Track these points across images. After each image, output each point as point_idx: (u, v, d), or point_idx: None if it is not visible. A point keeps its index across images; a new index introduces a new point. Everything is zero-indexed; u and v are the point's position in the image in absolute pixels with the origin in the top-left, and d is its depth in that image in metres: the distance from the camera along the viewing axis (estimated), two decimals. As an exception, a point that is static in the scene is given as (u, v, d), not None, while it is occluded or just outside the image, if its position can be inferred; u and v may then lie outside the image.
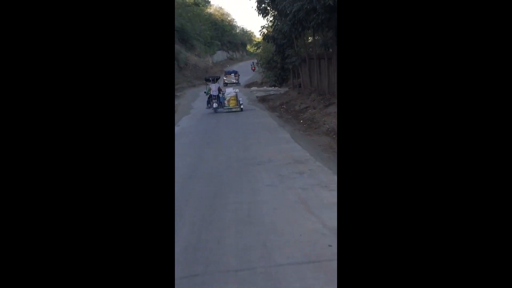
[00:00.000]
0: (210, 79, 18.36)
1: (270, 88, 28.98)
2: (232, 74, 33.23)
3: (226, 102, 16.87)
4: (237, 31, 68.56)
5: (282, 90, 26.20)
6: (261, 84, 32.36)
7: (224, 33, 59.84)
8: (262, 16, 22.25)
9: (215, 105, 16.67)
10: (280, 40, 21.45)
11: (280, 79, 31.35)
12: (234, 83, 30.71)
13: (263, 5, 21.73)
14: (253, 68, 42.76)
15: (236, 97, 17.06)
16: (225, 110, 16.69)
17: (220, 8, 65.22)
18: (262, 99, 22.71)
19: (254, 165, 7.79)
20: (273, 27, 22.20)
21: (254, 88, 29.81)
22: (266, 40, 22.23)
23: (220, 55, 56.93)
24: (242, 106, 16.89)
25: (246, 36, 72.09)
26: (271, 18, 22.94)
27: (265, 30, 22.78)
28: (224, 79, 31.30)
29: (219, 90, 17.12)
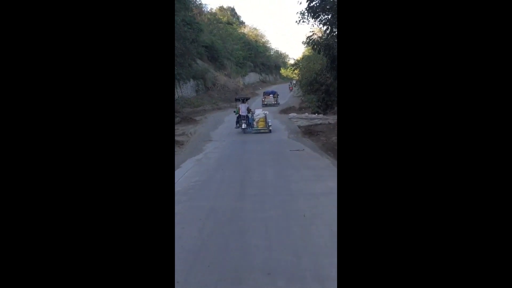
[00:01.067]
0: (240, 99, 17.61)
1: (314, 116, 21.55)
2: (271, 95, 29.27)
3: (255, 123, 15.81)
4: (271, 53, 61.71)
5: (331, 118, 18.70)
6: (299, 110, 24.93)
7: (257, 54, 53.20)
8: (313, 17, 15.07)
9: (244, 125, 15.61)
10: (336, 50, 13.99)
11: (324, 105, 23.97)
12: (273, 104, 27.93)
13: (314, 3, 14.57)
14: (290, 88, 36.93)
15: (265, 118, 15.89)
16: (254, 131, 15.59)
17: (255, 29, 58.70)
18: (308, 131, 15.28)
19: None
20: (327, 33, 14.82)
21: (292, 114, 22.40)
22: (317, 50, 14.73)
23: (252, 77, 50.16)
24: (270, 128, 15.76)
25: (280, 58, 65.37)
26: (321, 24, 15.53)
27: (314, 36, 15.28)
28: (262, 99, 28.73)
29: (249, 110, 16.04)
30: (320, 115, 22.47)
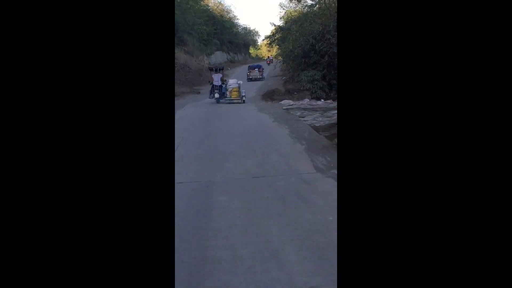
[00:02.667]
0: (213, 68, 15.91)
1: (321, 103, 12.49)
2: (256, 69, 25.50)
3: (228, 93, 14.39)
4: (239, 30, 51.68)
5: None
6: (290, 94, 15.74)
7: (224, 31, 43.36)
8: None
9: (217, 95, 14.34)
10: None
11: (327, 86, 14.94)
12: (259, 78, 24.72)
13: None
14: (268, 62, 32.53)
15: (238, 88, 14.33)
16: (227, 101, 14.24)
17: (220, 3, 48.32)
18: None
19: None
20: None
21: (286, 102, 13.22)
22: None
23: (219, 56, 40.45)
24: (244, 98, 14.13)
25: (249, 36, 55.36)
26: None
27: None
28: (247, 73, 25.63)
29: (223, 80, 14.71)
30: (328, 101, 13.44)
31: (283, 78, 21.89)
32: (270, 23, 59.91)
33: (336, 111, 10.18)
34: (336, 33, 15.29)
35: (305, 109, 11.23)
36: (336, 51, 15.03)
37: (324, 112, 10.41)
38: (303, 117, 9.75)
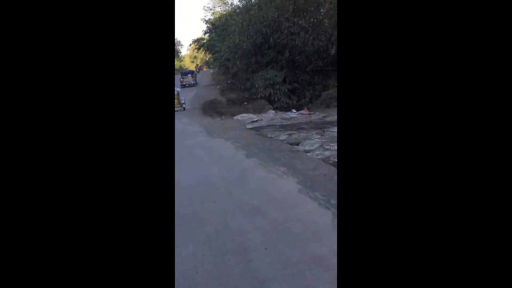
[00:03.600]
0: None
1: (295, 115, 8.30)
2: (189, 75, 23.59)
3: None
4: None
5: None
6: (236, 105, 11.41)
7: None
8: None
9: None
10: None
11: (289, 94, 10.82)
12: (192, 84, 22.91)
13: None
14: (197, 70, 29.63)
15: (177, 96, 12.73)
16: None
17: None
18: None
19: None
20: None
21: (246, 117, 8.76)
22: None
23: (138, 67, 34.83)
24: (184, 106, 12.82)
25: (170, 46, 49.89)
26: None
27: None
28: (180, 80, 23.32)
29: None
30: (302, 111, 9.28)
31: (218, 87, 17.60)
32: (202, 19, 53.34)
33: (330, 125, 6.08)
34: (296, 19, 11.30)
35: (282, 126, 6.92)
36: (298, 43, 11.04)
37: (322, 131, 6.17)
38: (297, 144, 5.38)
